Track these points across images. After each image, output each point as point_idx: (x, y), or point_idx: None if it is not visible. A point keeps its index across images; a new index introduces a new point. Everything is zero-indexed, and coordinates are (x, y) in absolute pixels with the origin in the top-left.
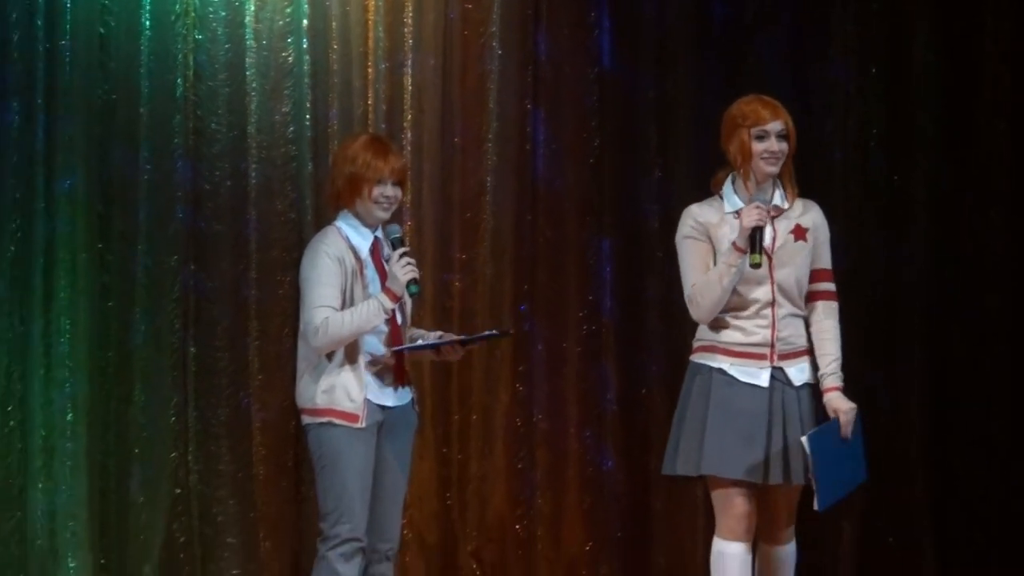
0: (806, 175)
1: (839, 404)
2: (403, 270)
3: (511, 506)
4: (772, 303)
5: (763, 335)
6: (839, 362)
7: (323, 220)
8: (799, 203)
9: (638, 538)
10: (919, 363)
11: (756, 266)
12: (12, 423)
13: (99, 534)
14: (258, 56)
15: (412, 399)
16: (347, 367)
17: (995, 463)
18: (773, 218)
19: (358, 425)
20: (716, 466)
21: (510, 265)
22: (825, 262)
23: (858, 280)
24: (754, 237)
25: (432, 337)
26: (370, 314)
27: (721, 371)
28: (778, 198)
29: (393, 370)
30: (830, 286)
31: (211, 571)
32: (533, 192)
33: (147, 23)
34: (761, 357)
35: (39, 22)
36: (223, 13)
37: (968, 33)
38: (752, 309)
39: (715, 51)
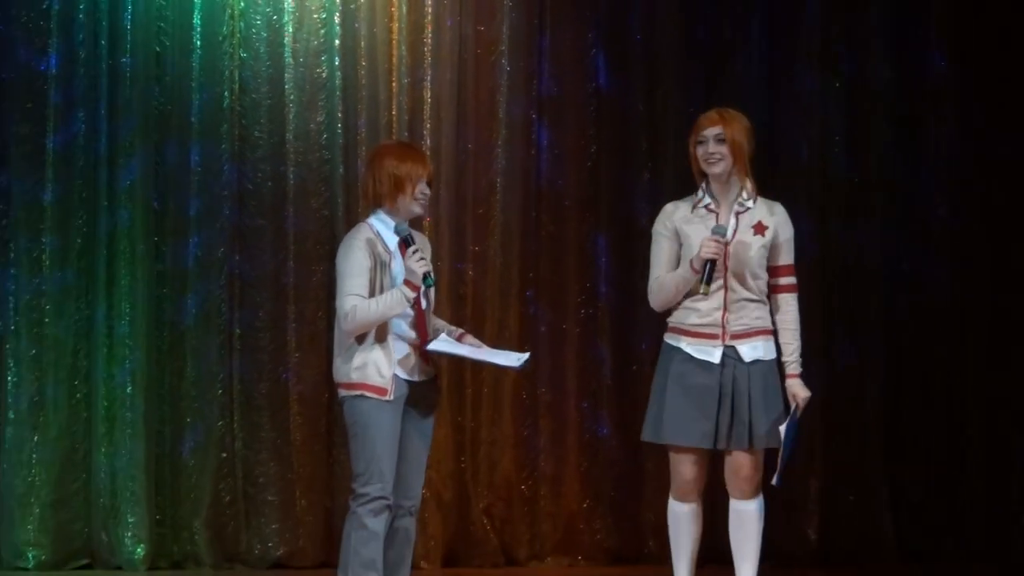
0: (777, 172)
1: (798, 391)
2: (417, 265)
3: (517, 468)
4: (724, 288)
5: (715, 317)
6: (799, 351)
7: (353, 216)
8: (766, 204)
9: (629, 497)
10: (875, 336)
11: (703, 294)
12: (79, 395)
13: (155, 493)
14: (295, 72)
15: (435, 375)
16: (378, 346)
17: (941, 428)
18: (738, 214)
19: (387, 398)
20: (670, 435)
21: (517, 256)
22: (786, 258)
23: (824, 263)
24: (706, 267)
25: (455, 338)
26: (393, 303)
27: (679, 349)
28: (745, 196)
29: (418, 350)
30: (790, 280)
31: (253, 526)
32: (537, 192)
33: (198, 43)
34: (714, 337)
35: (103, 42)
36: (264, 34)
37: (917, 49)
38: (711, 289)
39: (697, 68)
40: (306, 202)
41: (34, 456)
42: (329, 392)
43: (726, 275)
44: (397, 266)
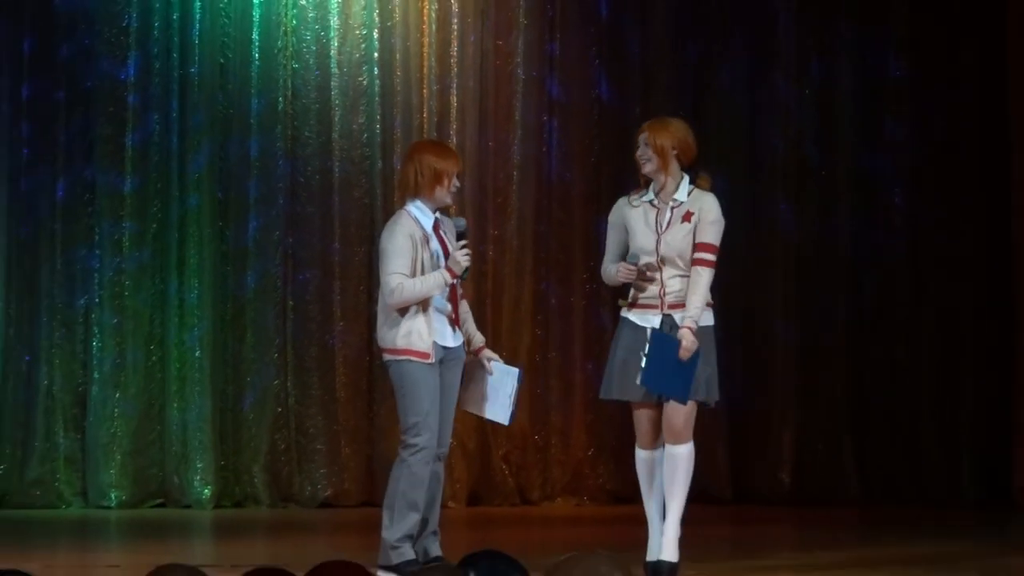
0: (757, 166)
1: (684, 338)
2: (464, 258)
3: (531, 422)
4: (660, 268)
5: (653, 291)
6: (696, 309)
7: (389, 204)
8: (700, 196)
9: (628, 446)
10: (842, 304)
11: (625, 306)
12: (154, 359)
13: (219, 442)
14: (340, 80)
15: (463, 342)
16: (420, 316)
17: (900, 388)
18: (673, 208)
19: (429, 361)
20: (617, 392)
21: (531, 239)
22: (705, 237)
23: (799, 243)
24: (624, 287)
25: (474, 350)
26: (434, 285)
27: (627, 319)
28: (681, 192)
29: (452, 319)
30: (704, 255)
31: (304, 470)
32: (548, 184)
33: (256, 55)
34: (653, 307)
35: (175, 55)
36: (313, 47)
37: (877, 58)
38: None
39: (686, 78)
40: (349, 192)
41: (116, 411)
42: (369, 356)
43: (659, 259)
44: (435, 245)
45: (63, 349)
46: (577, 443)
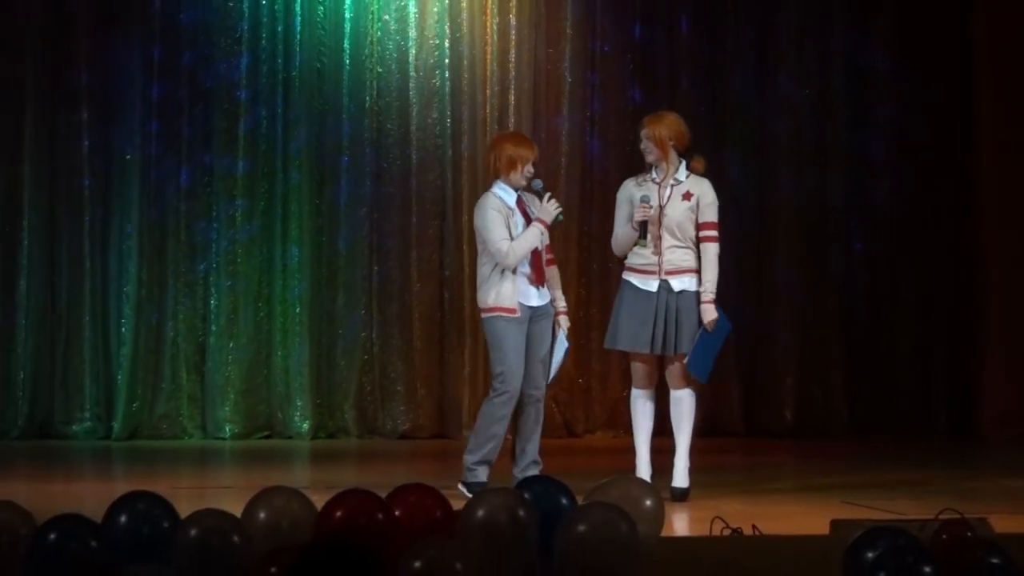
0: (765, 154)
1: (705, 314)
2: (554, 208)
3: (576, 367)
4: (659, 238)
5: (653, 259)
6: (711, 284)
7: (458, 186)
8: (696, 180)
9: (656, 387)
10: (836, 268)
11: (642, 244)
12: (261, 314)
13: (316, 383)
14: (417, 81)
15: (550, 299)
16: (508, 279)
17: (885, 335)
18: (672, 186)
19: (515, 316)
20: (621, 343)
21: (576, 215)
22: (706, 217)
23: (802, 211)
24: (643, 225)
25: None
26: (535, 236)
27: (629, 283)
28: (677, 174)
29: (535, 280)
30: (710, 232)
31: (386, 408)
32: (590, 169)
33: (347, 61)
34: (652, 273)
35: (279, 60)
36: (395, 55)
37: (867, 59)
38: (649, 241)
39: (704, 81)
40: (424, 176)
41: (230, 357)
42: (440, 312)
43: (660, 229)
44: (518, 217)
45: (186, 307)
46: (613, 385)
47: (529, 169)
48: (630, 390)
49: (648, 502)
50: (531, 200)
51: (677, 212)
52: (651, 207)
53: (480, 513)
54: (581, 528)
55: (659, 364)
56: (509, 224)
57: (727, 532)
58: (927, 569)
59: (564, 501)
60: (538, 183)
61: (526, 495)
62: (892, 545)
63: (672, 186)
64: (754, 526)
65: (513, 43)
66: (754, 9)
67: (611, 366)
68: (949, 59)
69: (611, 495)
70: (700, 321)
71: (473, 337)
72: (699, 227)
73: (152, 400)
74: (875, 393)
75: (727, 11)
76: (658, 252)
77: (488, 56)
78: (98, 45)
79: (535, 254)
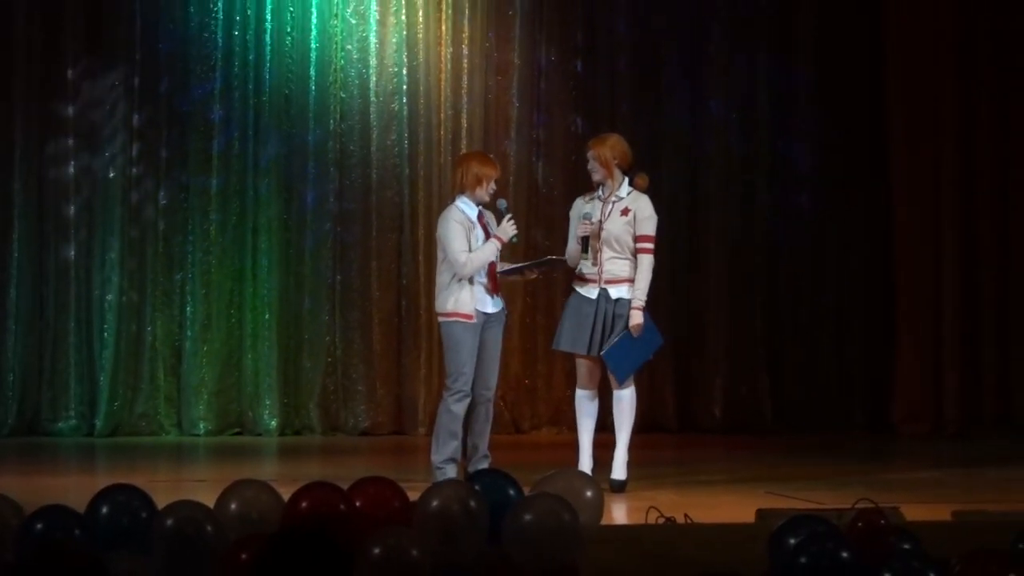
0: (696, 168)
1: (632, 319)
2: (511, 228)
3: (522, 368)
4: (600, 250)
5: (594, 269)
6: (642, 292)
7: (415, 202)
8: (636, 196)
9: (600, 388)
10: (760, 276)
11: (584, 257)
12: (233, 320)
13: (283, 384)
14: (377, 106)
15: (503, 308)
16: (466, 288)
17: (805, 337)
18: (614, 202)
19: (471, 322)
20: (565, 345)
21: (523, 228)
22: (642, 230)
23: (729, 222)
24: (583, 241)
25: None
26: (492, 251)
27: (575, 291)
28: (618, 191)
29: (491, 289)
30: (644, 245)
31: (348, 407)
32: (536, 187)
33: (313, 87)
34: (593, 281)
35: (250, 86)
36: (357, 81)
37: (787, 85)
38: (589, 254)
39: (642, 106)
40: (384, 192)
41: (203, 360)
42: (399, 318)
43: (600, 242)
44: (478, 231)
45: (164, 313)
46: (558, 385)
47: (492, 186)
48: (575, 390)
49: (589, 493)
50: (490, 216)
51: (616, 226)
52: (591, 223)
53: (435, 504)
54: (528, 517)
55: (601, 365)
56: (470, 237)
57: (662, 520)
58: (844, 554)
59: (512, 492)
60: (503, 203)
61: (477, 487)
62: (813, 532)
63: (614, 203)
64: (686, 515)
65: (465, 71)
66: (687, 35)
67: (555, 367)
68: (862, 75)
69: (555, 486)
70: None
71: (428, 341)
72: (635, 239)
73: (132, 400)
74: (797, 392)
75: (662, 43)
76: (598, 263)
77: (442, 83)
78: (83, 73)
79: (490, 265)
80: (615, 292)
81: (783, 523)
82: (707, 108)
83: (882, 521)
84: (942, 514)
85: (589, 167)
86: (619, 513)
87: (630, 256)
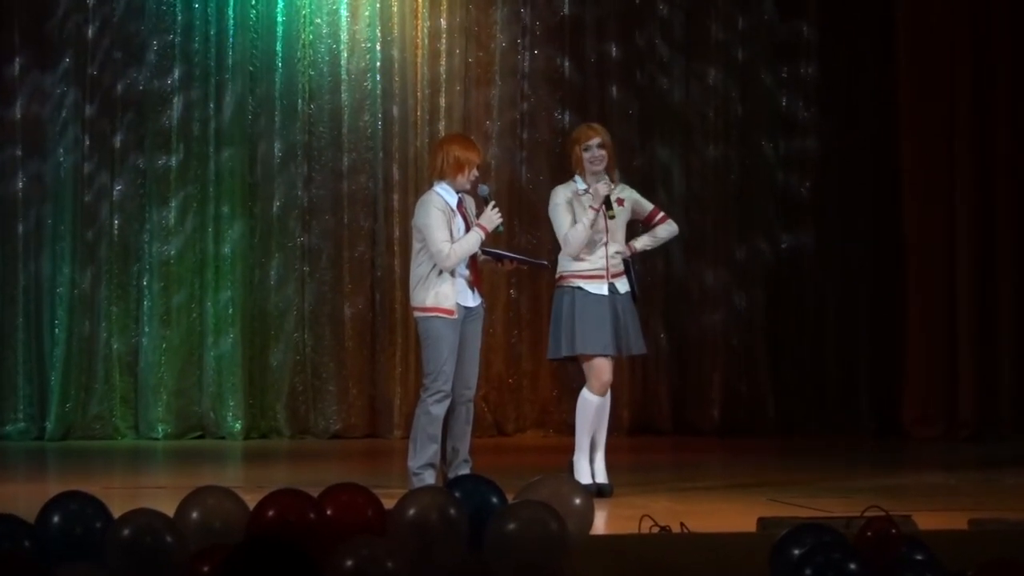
0: (696, 159)
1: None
2: (496, 216)
3: (506, 367)
4: (605, 244)
5: (601, 264)
6: (647, 240)
7: (389, 188)
8: (620, 186)
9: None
10: (761, 265)
11: (612, 217)
12: (194, 315)
13: (248, 384)
14: (349, 85)
15: (482, 302)
16: (447, 281)
17: (811, 335)
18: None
19: (453, 318)
20: (590, 347)
21: (505, 208)
22: (649, 206)
23: (728, 208)
24: (608, 200)
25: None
26: (475, 241)
27: (579, 288)
28: (613, 182)
29: (473, 282)
30: (662, 213)
31: (318, 408)
32: (519, 171)
33: (280, 65)
34: (601, 277)
35: (212, 63)
36: (327, 58)
37: (798, 78)
38: (594, 248)
39: (627, 98)
40: (356, 177)
41: (163, 359)
42: (372, 313)
43: (606, 235)
44: (458, 219)
45: (119, 308)
46: (544, 385)
47: (475, 173)
48: (578, 394)
49: (577, 500)
50: (470, 203)
51: (619, 217)
52: (608, 183)
53: (411, 512)
54: (512, 526)
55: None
56: (451, 226)
57: (656, 530)
58: (852, 566)
59: (494, 499)
60: (484, 189)
61: (456, 493)
62: (818, 542)
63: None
64: (682, 524)
65: (443, 47)
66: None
67: (541, 366)
68: (872, 71)
69: (541, 493)
70: (638, 316)
71: (404, 338)
72: (649, 217)
73: (85, 401)
74: (801, 391)
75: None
76: (605, 258)
77: (419, 60)
78: (31, 59)
79: (472, 256)
80: (622, 286)
81: (786, 533)
82: (704, 85)
83: (893, 530)
84: (958, 523)
85: (590, 155)
86: (610, 522)
87: (624, 248)
